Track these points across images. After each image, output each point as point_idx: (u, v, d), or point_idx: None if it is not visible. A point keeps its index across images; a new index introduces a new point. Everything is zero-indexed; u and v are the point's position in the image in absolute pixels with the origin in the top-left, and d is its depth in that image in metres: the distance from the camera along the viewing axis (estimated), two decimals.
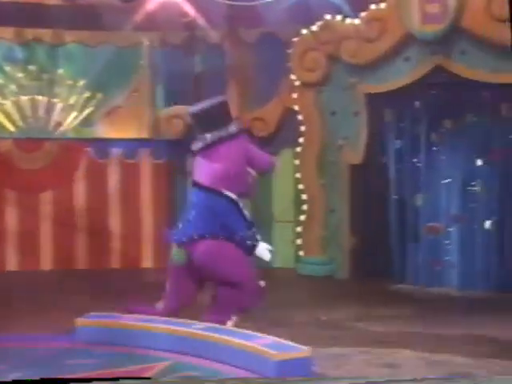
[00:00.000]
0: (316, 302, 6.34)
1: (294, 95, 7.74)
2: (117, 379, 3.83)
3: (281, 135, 8.15)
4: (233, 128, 5.03)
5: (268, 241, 8.22)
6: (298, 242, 7.72)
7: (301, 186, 7.68)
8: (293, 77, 7.74)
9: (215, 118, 5.04)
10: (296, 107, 7.74)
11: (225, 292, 4.98)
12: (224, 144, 4.99)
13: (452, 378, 4.08)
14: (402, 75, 7.13)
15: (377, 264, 7.42)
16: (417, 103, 7.30)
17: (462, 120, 7.11)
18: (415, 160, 7.32)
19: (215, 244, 4.93)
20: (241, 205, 5.00)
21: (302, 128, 7.71)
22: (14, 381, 3.86)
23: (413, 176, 7.32)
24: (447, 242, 7.19)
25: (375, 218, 7.37)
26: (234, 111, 7.89)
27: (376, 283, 7.15)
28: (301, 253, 7.75)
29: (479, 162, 7.03)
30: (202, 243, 4.95)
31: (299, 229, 7.71)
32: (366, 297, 6.61)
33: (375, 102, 7.42)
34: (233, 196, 4.95)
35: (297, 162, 7.81)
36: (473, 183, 7.06)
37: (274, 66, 7.95)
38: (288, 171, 7.89)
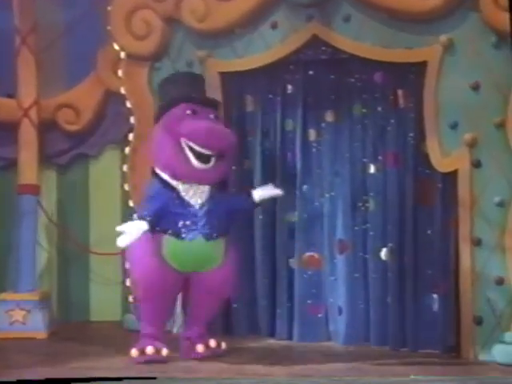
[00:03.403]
0: None
1: (119, 73, 6.02)
2: (120, 379, 4.02)
3: (100, 130, 6.44)
4: None
5: (84, 283, 6.54)
6: (128, 282, 5.65)
7: (131, 203, 5.77)
8: (116, 46, 5.98)
9: None
10: (122, 90, 6.01)
11: None
12: None
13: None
14: (268, 48, 5.59)
15: (239, 313, 5.75)
16: (289, 87, 5.75)
17: (349, 112, 5.59)
18: (288, 166, 5.72)
19: None
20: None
21: (132, 120, 5.96)
22: (17, 380, 4.05)
23: (285, 188, 5.59)
24: (332, 278, 5.57)
25: (235, 246, 5.64)
26: (28, 94, 6.10)
27: (239, 339, 5.51)
28: (131, 299, 5.73)
29: (372, 169, 5.51)
30: None
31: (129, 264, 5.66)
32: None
33: (233, 83, 5.81)
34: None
35: (125, 167, 5.97)
36: (364, 197, 5.53)
37: (87, 29, 6.17)
38: (112, 181, 6.23)
